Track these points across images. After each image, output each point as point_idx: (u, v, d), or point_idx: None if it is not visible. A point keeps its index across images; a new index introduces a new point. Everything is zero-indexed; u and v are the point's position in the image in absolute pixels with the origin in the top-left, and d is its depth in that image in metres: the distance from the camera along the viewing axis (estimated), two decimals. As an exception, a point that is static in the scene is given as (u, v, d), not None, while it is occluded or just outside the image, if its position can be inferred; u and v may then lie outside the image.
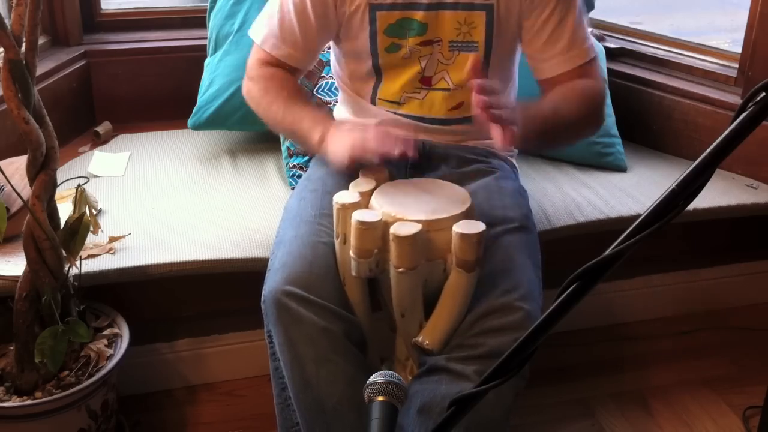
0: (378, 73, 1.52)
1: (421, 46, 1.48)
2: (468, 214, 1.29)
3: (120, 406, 1.63)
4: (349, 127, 1.44)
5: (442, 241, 1.25)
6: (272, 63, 1.52)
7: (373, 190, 1.35)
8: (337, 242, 1.31)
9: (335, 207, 1.29)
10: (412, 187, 1.38)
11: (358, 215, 1.24)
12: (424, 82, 1.52)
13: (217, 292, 1.80)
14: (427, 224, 1.24)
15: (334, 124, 1.45)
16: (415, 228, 1.22)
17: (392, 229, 1.21)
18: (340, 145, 1.37)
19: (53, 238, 1.40)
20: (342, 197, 1.29)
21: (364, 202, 1.32)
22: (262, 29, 1.53)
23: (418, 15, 1.45)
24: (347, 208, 1.27)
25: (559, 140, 1.60)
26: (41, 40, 2.14)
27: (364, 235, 1.24)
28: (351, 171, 1.40)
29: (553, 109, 1.44)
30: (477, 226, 1.23)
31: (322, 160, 1.60)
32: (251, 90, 1.54)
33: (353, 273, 1.28)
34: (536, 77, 1.54)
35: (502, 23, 1.47)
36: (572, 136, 1.57)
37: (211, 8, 2.17)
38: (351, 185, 1.36)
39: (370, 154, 1.34)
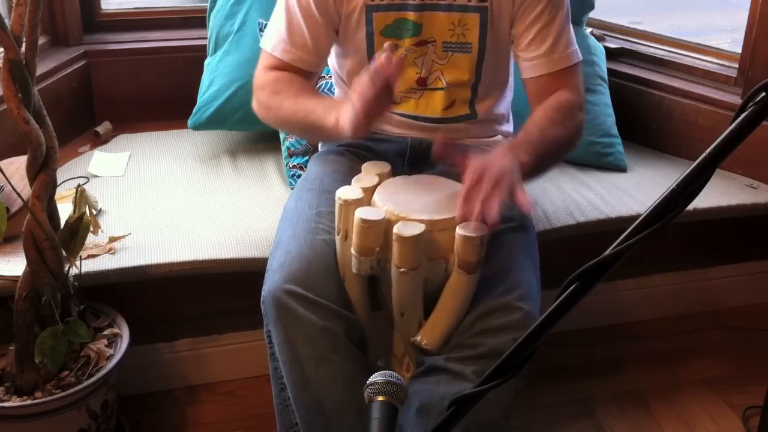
0: (375, 72, 1.52)
1: (416, 46, 1.48)
2: None
3: (120, 406, 1.63)
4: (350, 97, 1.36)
5: (444, 241, 1.25)
6: (279, 67, 1.50)
7: (375, 186, 1.35)
8: (338, 238, 1.31)
9: (337, 203, 1.28)
10: (415, 185, 1.38)
11: (361, 213, 1.24)
12: (420, 82, 1.52)
13: (217, 292, 1.80)
14: (431, 224, 1.24)
15: (344, 104, 1.42)
16: (418, 228, 1.21)
17: (396, 229, 1.21)
18: (349, 116, 1.29)
19: (53, 238, 1.40)
20: (344, 193, 1.29)
21: (367, 198, 1.31)
22: (271, 37, 1.51)
23: (413, 15, 1.46)
24: (350, 205, 1.27)
25: (553, 160, 1.51)
26: (41, 40, 2.14)
27: (367, 233, 1.23)
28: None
29: (540, 134, 1.40)
30: (480, 228, 1.22)
31: (320, 159, 1.61)
32: (260, 97, 1.50)
33: (354, 270, 1.28)
34: (521, 75, 1.54)
35: (496, 25, 1.47)
36: (562, 152, 1.52)
37: (211, 8, 2.17)
38: (353, 180, 1.36)
39: (368, 96, 1.24)
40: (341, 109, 1.34)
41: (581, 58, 1.52)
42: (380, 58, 1.22)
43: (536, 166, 1.35)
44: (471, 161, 1.26)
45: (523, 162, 1.30)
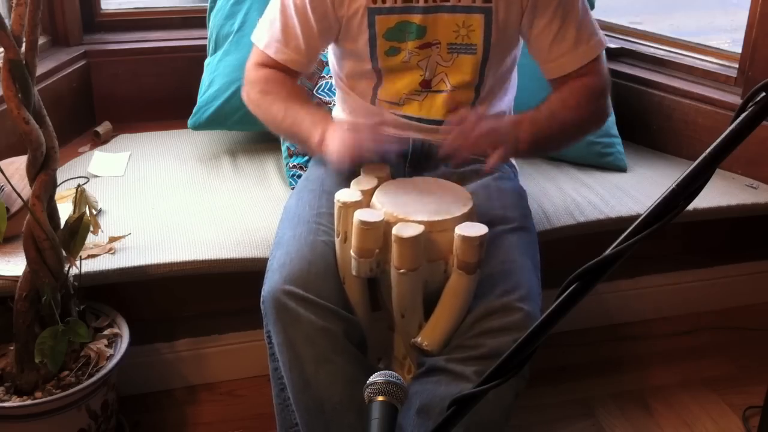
0: (378, 74, 1.53)
1: (419, 49, 1.48)
2: (470, 216, 1.29)
3: (120, 406, 1.63)
4: (346, 127, 1.43)
5: (443, 242, 1.25)
6: (270, 65, 1.52)
7: (374, 189, 1.35)
8: (337, 240, 1.31)
9: (337, 205, 1.29)
10: (414, 187, 1.38)
11: (360, 215, 1.24)
12: (424, 84, 1.52)
13: (217, 292, 1.80)
14: (430, 225, 1.24)
15: (332, 124, 1.44)
16: (417, 229, 1.21)
17: (394, 230, 1.21)
18: (338, 146, 1.36)
19: (53, 238, 1.40)
20: (343, 195, 1.29)
21: (366, 200, 1.31)
22: (264, 34, 1.52)
23: (417, 18, 1.45)
24: (349, 207, 1.27)
25: (561, 143, 1.59)
26: (41, 40, 2.14)
27: (366, 235, 1.24)
28: (351, 171, 1.40)
29: (549, 115, 1.44)
30: (479, 229, 1.23)
31: (321, 160, 1.61)
32: (250, 93, 1.53)
33: (353, 272, 1.28)
34: (547, 77, 1.54)
35: (501, 26, 1.47)
36: (574, 136, 1.57)
37: (211, 8, 2.17)
38: (352, 183, 1.36)
39: (368, 153, 1.34)
40: (327, 129, 1.39)
41: (606, 43, 1.52)
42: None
43: (536, 146, 1.41)
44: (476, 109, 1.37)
45: (521, 139, 1.36)
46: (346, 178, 1.42)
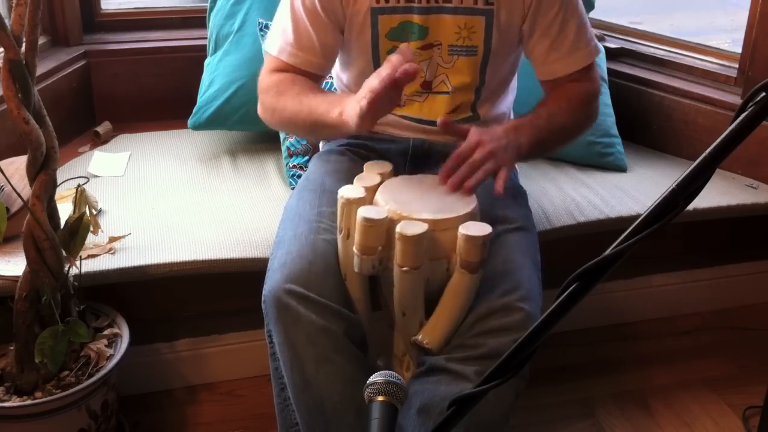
0: (379, 74, 1.52)
1: (421, 50, 1.48)
2: (473, 215, 1.29)
3: (120, 406, 1.63)
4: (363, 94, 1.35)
5: (446, 240, 1.25)
6: (284, 70, 1.49)
7: (377, 186, 1.35)
8: (339, 237, 1.31)
9: (340, 201, 1.28)
10: (417, 184, 1.38)
11: (363, 211, 1.23)
12: (424, 85, 1.51)
13: (217, 292, 1.80)
14: (433, 224, 1.23)
15: (350, 98, 1.39)
16: (421, 228, 1.21)
17: (398, 228, 1.21)
18: (354, 103, 1.29)
19: (53, 238, 1.40)
20: (347, 192, 1.29)
21: (369, 197, 1.31)
22: (277, 41, 1.49)
23: (419, 18, 1.45)
24: (352, 203, 1.27)
25: (557, 145, 1.59)
26: (41, 40, 2.14)
27: (369, 232, 1.23)
28: (353, 167, 1.37)
29: (547, 119, 1.45)
30: (483, 228, 1.22)
31: (321, 158, 1.61)
32: (264, 101, 1.49)
33: (356, 269, 1.28)
34: (539, 78, 1.54)
35: (503, 28, 1.46)
36: (568, 138, 1.57)
37: (211, 8, 2.17)
38: (355, 179, 1.36)
39: (382, 84, 1.23)
40: (345, 103, 1.35)
41: (600, 50, 1.53)
42: (396, 57, 1.25)
43: (535, 149, 1.42)
44: (473, 128, 1.34)
45: (522, 144, 1.36)
46: (346, 176, 1.42)
